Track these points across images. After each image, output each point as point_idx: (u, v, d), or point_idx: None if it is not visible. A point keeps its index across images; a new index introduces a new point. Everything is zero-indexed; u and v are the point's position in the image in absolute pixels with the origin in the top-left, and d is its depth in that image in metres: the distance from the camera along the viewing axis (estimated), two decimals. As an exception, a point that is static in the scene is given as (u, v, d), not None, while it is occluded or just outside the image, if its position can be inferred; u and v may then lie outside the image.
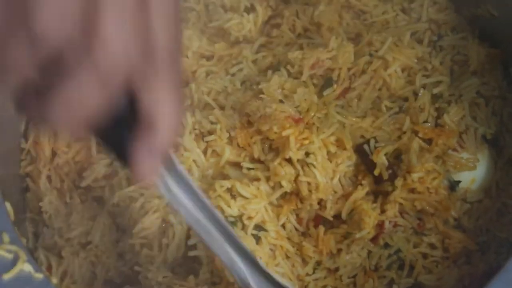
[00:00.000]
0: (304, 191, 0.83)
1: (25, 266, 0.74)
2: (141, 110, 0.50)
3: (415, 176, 0.83)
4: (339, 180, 0.85)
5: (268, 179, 0.85)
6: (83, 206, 0.92)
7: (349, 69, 0.91)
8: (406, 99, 0.90)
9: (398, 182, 0.84)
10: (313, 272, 0.84)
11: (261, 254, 0.80)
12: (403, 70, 0.91)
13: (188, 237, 0.83)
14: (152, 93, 0.50)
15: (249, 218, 0.81)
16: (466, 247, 0.84)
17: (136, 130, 0.51)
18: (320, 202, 0.85)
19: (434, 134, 0.86)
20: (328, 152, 0.85)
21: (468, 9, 0.96)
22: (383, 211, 0.84)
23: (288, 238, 0.84)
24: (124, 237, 0.88)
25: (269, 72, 0.92)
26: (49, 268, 0.89)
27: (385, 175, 0.85)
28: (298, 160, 0.83)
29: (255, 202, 0.82)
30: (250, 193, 0.82)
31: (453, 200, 0.86)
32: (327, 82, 0.91)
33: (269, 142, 0.86)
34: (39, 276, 0.73)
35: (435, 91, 0.90)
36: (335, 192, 0.85)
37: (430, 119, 0.89)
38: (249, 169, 0.86)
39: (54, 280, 0.87)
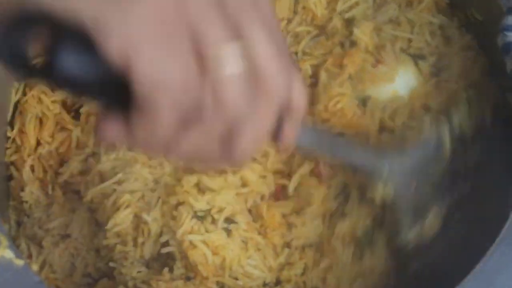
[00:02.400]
0: None
1: (6, 253, 0.74)
2: None
3: (319, 105, 0.84)
4: None
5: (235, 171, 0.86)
6: (64, 198, 0.92)
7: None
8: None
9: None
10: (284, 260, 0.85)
11: (233, 247, 0.81)
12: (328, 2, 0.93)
13: (160, 234, 0.83)
14: None
15: (219, 211, 0.82)
16: None
17: None
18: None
19: (340, 58, 0.87)
20: None
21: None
22: None
23: (257, 229, 0.84)
24: (100, 232, 0.88)
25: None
26: (30, 257, 0.89)
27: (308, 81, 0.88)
28: None
29: (223, 193, 0.83)
30: (217, 185, 0.83)
31: (367, 115, 0.86)
32: None
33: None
34: (20, 262, 0.74)
35: (347, 15, 0.92)
36: None
37: (343, 39, 0.90)
38: None
39: (35, 267, 0.87)
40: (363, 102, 0.86)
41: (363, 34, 0.88)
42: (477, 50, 0.90)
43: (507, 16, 0.80)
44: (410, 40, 0.90)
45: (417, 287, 0.84)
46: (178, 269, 0.82)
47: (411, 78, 0.87)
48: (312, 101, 0.86)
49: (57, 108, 0.96)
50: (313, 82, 0.89)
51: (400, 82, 0.87)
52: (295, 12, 0.94)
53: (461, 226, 0.85)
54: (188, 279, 0.82)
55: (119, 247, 0.84)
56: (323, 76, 0.87)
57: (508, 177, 0.85)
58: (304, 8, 0.93)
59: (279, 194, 0.88)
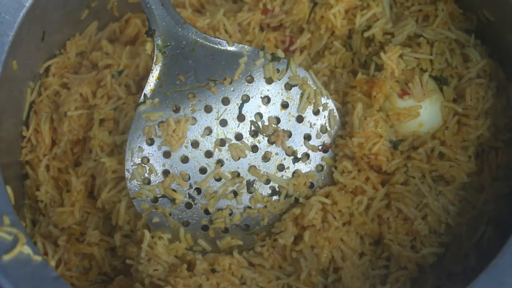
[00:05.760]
0: None
1: (24, 248, 0.75)
2: None
3: (355, 141, 0.87)
4: None
5: None
6: (79, 198, 0.93)
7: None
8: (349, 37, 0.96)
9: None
10: None
11: None
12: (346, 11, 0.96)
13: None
14: None
15: None
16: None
17: None
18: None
19: (367, 87, 0.90)
20: None
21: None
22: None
23: None
24: (115, 231, 0.89)
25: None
26: (45, 255, 0.90)
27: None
28: None
29: None
30: None
31: (394, 156, 0.89)
32: None
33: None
34: (38, 258, 0.75)
35: (366, 34, 0.94)
36: None
37: (367, 60, 0.93)
38: None
39: (52, 263, 0.88)
40: (395, 145, 0.89)
41: (390, 60, 0.90)
42: (490, 75, 0.92)
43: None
44: (432, 62, 0.92)
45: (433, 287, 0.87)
46: (201, 264, 0.83)
47: (437, 112, 0.90)
48: (348, 132, 0.88)
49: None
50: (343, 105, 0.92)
51: (425, 114, 0.89)
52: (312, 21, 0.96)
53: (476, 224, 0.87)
54: (212, 271, 0.83)
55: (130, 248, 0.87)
56: (359, 107, 0.89)
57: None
58: (322, 17, 0.95)
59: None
